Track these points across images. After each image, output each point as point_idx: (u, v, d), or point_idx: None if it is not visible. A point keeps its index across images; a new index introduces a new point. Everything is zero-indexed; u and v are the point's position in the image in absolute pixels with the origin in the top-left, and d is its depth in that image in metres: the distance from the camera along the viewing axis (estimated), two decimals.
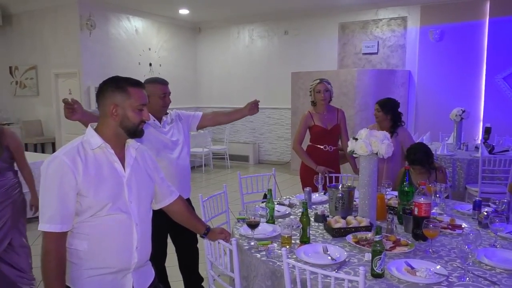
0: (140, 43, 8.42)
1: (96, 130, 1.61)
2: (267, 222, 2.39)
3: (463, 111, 5.45)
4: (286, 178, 7.41)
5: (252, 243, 2.07)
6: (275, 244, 2.07)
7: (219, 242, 2.05)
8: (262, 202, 2.88)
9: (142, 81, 2.73)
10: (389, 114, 3.69)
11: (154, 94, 2.60)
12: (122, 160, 1.64)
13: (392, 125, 3.66)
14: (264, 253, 1.97)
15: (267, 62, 9.00)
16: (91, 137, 1.58)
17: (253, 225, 2.09)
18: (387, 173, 3.53)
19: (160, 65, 8.82)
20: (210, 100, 9.65)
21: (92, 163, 1.55)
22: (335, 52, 8.22)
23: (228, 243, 1.99)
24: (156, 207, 1.86)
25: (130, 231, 1.61)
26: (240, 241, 2.13)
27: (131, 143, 1.70)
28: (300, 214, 2.13)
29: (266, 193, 2.49)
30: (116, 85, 1.61)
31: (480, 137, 5.97)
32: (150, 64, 8.59)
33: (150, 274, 1.78)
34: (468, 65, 7.07)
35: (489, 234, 2.18)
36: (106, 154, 1.59)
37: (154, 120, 2.64)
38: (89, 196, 1.51)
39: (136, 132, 1.64)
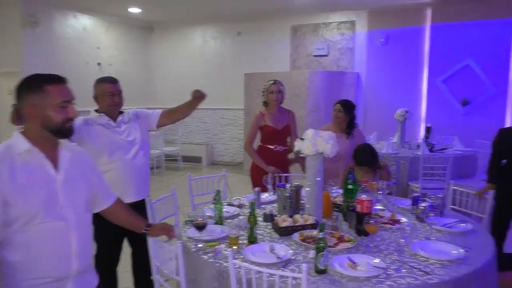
0: (89, 42, 8.12)
1: (23, 133, 1.53)
2: (215, 223, 2.39)
3: (406, 112, 5.72)
4: (239, 178, 7.43)
5: (200, 245, 2.07)
6: (223, 245, 2.08)
7: (165, 241, 2.01)
8: (213, 203, 2.88)
9: (93, 81, 2.68)
10: (349, 115, 3.82)
11: (102, 93, 2.62)
12: (55, 163, 1.56)
13: (348, 126, 3.79)
14: (211, 254, 1.97)
15: (220, 63, 8.99)
16: (17, 141, 1.50)
17: (200, 227, 2.08)
18: (342, 172, 3.63)
19: (111, 65, 8.55)
20: (165, 100, 9.44)
21: (20, 170, 1.46)
22: (287, 54, 8.36)
23: (173, 239, 1.96)
24: (95, 211, 1.81)
25: (67, 237, 1.55)
26: (188, 243, 2.12)
27: (65, 144, 1.62)
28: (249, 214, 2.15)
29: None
30: (29, 85, 1.51)
31: (422, 136, 6.30)
32: (99, 64, 8.31)
33: (93, 280, 1.73)
34: (411, 68, 7.43)
35: (425, 228, 2.31)
36: (36, 158, 1.51)
37: (108, 120, 2.61)
38: (17, 205, 1.43)
39: (62, 131, 1.55)
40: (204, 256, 1.96)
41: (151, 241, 2.10)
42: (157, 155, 8.11)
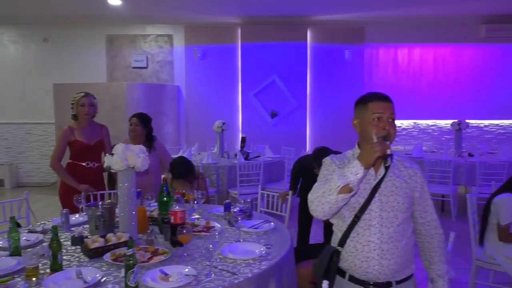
0: None
1: None
2: (10, 255, 2.08)
3: (223, 123, 6.08)
4: (52, 201, 6.65)
5: None
6: (19, 279, 1.82)
7: None
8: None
9: None
10: (146, 128, 3.79)
11: None
12: None
13: (147, 140, 3.76)
14: None
15: (24, 72, 7.95)
16: None
17: None
18: (151, 186, 3.60)
19: None
20: None
21: None
22: (103, 64, 7.94)
23: None
24: None
25: None
26: None
27: None
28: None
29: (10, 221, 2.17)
30: None
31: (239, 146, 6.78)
32: None
33: None
34: (228, 82, 7.97)
35: (235, 231, 2.48)
36: None
37: None
38: None
39: None
40: None
41: None
42: None
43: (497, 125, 8.07)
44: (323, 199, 1.67)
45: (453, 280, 3.23)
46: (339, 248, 1.80)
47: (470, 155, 6.06)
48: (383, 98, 1.79)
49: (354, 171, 1.63)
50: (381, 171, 1.80)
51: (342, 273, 1.82)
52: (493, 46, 7.83)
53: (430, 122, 8.12)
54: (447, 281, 1.83)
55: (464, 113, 7.69)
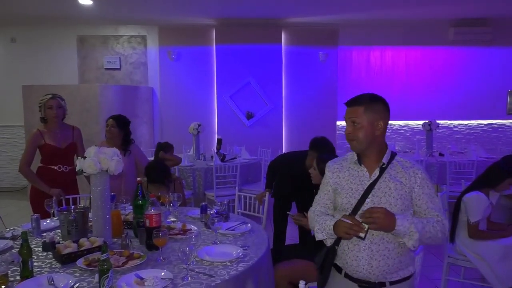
0: None
1: None
2: None
3: (199, 125, 6.04)
4: (23, 205, 6.44)
5: None
6: None
7: None
8: None
9: None
10: (123, 130, 3.70)
11: None
12: None
13: (123, 143, 3.68)
14: None
15: None
16: None
17: None
18: (125, 190, 3.54)
19: None
20: None
21: None
22: (75, 66, 7.75)
23: None
24: None
25: None
26: None
27: None
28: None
29: None
30: None
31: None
32: None
33: None
34: (203, 83, 7.92)
35: (212, 233, 2.46)
36: None
37: None
38: None
39: None
40: None
41: None
42: None
43: (465, 125, 8.33)
44: (314, 227, 1.92)
45: (426, 277, 3.32)
46: (336, 246, 1.84)
47: (441, 154, 6.24)
48: (348, 103, 1.85)
49: (329, 233, 1.80)
50: (376, 172, 1.81)
51: (339, 269, 1.89)
52: (461, 48, 8.07)
53: (402, 123, 8.30)
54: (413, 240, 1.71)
55: (434, 114, 7.90)
